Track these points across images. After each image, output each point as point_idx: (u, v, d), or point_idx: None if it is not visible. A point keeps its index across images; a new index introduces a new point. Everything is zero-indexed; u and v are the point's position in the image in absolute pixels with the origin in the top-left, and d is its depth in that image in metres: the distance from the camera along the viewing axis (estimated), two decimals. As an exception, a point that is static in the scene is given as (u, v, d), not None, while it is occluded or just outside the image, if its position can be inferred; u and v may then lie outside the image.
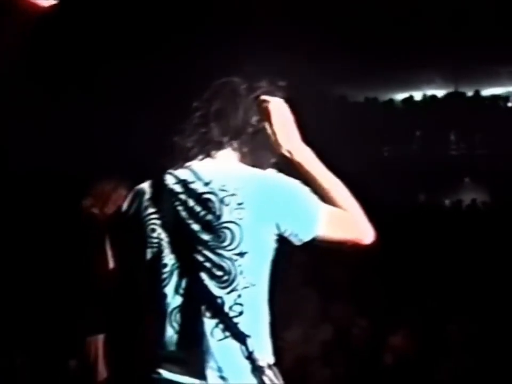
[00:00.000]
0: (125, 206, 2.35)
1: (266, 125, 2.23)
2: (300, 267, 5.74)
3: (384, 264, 7.00)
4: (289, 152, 2.21)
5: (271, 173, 2.22)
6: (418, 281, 6.46)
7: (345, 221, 2.18)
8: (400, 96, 13.02)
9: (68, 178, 6.88)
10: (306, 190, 2.18)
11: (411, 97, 12.88)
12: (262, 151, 2.30)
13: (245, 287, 2.11)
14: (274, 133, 2.22)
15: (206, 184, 2.17)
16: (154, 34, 7.73)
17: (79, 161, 7.14)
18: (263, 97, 2.27)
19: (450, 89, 12.71)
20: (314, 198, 2.17)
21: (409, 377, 5.00)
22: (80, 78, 7.83)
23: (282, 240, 2.18)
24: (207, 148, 2.25)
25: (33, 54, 7.13)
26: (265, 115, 2.24)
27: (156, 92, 7.66)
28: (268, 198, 2.14)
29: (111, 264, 4.95)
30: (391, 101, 13.03)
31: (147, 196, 2.25)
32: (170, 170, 2.25)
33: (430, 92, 12.78)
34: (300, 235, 2.14)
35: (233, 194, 2.13)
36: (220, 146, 2.26)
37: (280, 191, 2.16)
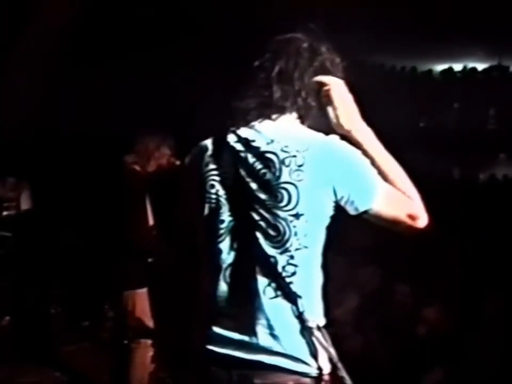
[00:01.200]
0: (187, 161, 2.37)
1: (328, 107, 2.25)
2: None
3: (418, 237, 6.99)
4: (349, 132, 2.23)
5: (334, 138, 2.21)
6: (452, 255, 6.45)
7: (401, 201, 2.19)
8: (439, 67, 12.86)
9: (112, 135, 6.92)
10: (367, 161, 2.19)
11: (451, 68, 12.72)
12: (322, 116, 2.31)
13: (298, 249, 2.13)
14: (336, 116, 2.25)
15: (268, 143, 2.19)
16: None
17: (124, 118, 7.17)
18: (322, 78, 2.27)
19: (493, 63, 12.52)
20: (374, 171, 2.18)
21: (442, 350, 5.01)
22: (131, 39, 7.83)
23: (339, 209, 2.18)
24: (269, 111, 2.26)
25: (85, 18, 7.14)
26: (325, 96, 2.26)
27: (209, 49, 7.62)
28: (328, 163, 2.15)
29: (151, 220, 5.01)
30: (430, 71, 12.87)
31: (209, 152, 2.27)
32: (232, 129, 2.26)
33: (471, 64, 12.62)
34: (356, 203, 2.14)
35: (294, 156, 2.14)
36: (282, 110, 2.26)
37: (341, 157, 2.17)
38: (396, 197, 2.19)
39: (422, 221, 2.20)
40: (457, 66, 12.73)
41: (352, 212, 2.16)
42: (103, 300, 5.18)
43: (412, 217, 2.19)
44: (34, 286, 6.81)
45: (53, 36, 7.40)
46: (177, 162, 4.92)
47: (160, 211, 4.95)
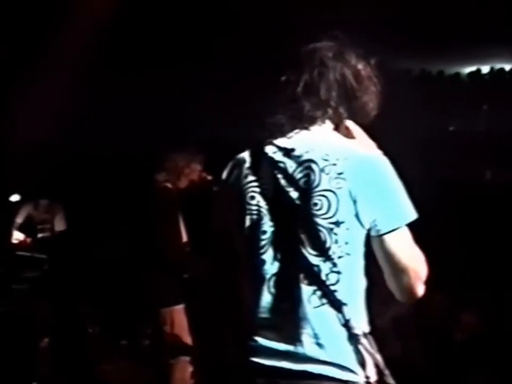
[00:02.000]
0: (224, 174, 2.37)
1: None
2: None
3: (450, 240, 6.95)
4: None
5: (377, 153, 2.22)
6: (484, 259, 6.39)
7: (418, 255, 2.17)
8: (466, 69, 12.78)
9: (142, 153, 6.96)
10: (403, 192, 2.17)
11: (478, 70, 12.63)
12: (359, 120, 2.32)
13: (340, 257, 2.13)
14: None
15: (307, 152, 2.19)
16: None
17: (153, 136, 7.21)
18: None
19: (519, 63, 12.41)
20: (408, 200, 2.16)
21: (479, 355, 4.96)
22: (159, 54, 7.87)
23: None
24: (301, 124, 2.26)
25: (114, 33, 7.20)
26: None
27: (237, 63, 7.63)
28: (366, 176, 2.14)
29: (184, 237, 5.02)
30: (458, 74, 12.80)
31: (247, 165, 2.28)
32: (269, 140, 2.27)
33: (498, 66, 12.51)
34: (379, 223, 2.12)
35: (334, 164, 2.14)
36: (313, 121, 2.26)
37: (379, 174, 2.16)
38: (415, 247, 2.17)
39: (421, 289, 2.17)
40: (485, 68, 12.65)
41: (372, 232, 2.14)
42: (140, 318, 5.19)
43: (417, 275, 2.15)
44: (71, 306, 6.85)
45: (81, 53, 7.47)
46: (209, 177, 4.93)
47: (194, 227, 4.96)
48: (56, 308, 5.69)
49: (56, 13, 7.20)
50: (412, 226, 2.17)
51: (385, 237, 2.13)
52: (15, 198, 8.35)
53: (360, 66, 2.31)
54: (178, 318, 4.83)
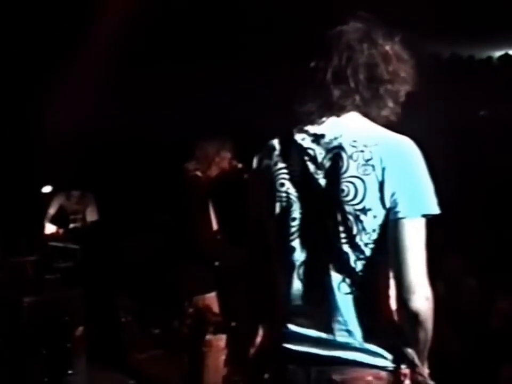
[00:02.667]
0: (255, 162, 2.37)
1: None
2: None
3: (485, 227, 6.90)
4: None
5: (407, 140, 2.18)
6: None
7: (423, 256, 2.10)
8: (497, 53, 12.63)
9: (173, 141, 6.98)
10: (430, 183, 2.14)
11: (509, 54, 12.49)
12: (382, 110, 2.28)
13: (367, 244, 2.12)
14: None
15: (336, 138, 2.18)
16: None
17: (184, 124, 7.21)
18: None
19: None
20: (432, 190, 2.13)
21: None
22: (189, 42, 7.88)
23: None
24: (331, 112, 2.24)
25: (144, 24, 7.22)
26: None
27: (265, 50, 7.60)
28: (394, 161, 2.11)
29: (215, 225, 5.02)
30: (489, 58, 12.66)
31: (276, 152, 2.28)
32: (299, 127, 2.26)
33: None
34: (400, 207, 2.09)
35: (362, 151, 2.13)
36: (343, 109, 2.24)
37: (407, 160, 2.13)
38: (424, 249, 2.10)
39: (420, 294, 2.07)
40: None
41: (391, 215, 2.10)
42: (173, 307, 5.20)
43: (420, 275, 2.08)
44: (105, 296, 6.90)
45: (114, 40, 7.50)
46: (240, 165, 4.92)
47: (226, 215, 4.96)
48: (89, 297, 5.73)
49: (87, 7, 7.24)
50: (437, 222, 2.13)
51: (402, 221, 2.08)
52: (47, 189, 8.43)
53: (388, 46, 2.27)
54: (211, 305, 4.84)
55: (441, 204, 2.14)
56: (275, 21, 7.47)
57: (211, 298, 4.86)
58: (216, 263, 4.84)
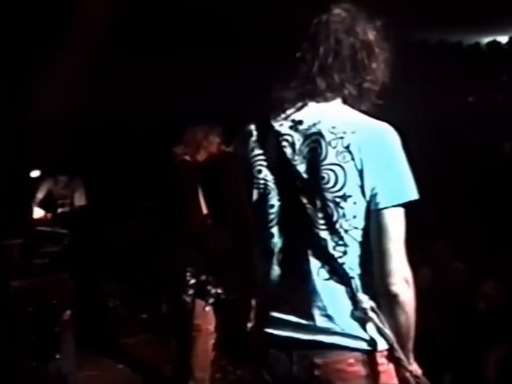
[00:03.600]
0: (232, 147, 2.39)
1: None
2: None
3: (470, 210, 6.94)
4: None
5: (387, 126, 2.18)
6: (505, 227, 6.36)
7: (402, 246, 2.13)
8: (485, 39, 12.63)
9: (161, 125, 6.97)
10: (408, 170, 2.14)
11: (496, 40, 12.49)
12: (367, 100, 2.28)
13: (347, 230, 2.12)
14: None
15: (315, 124, 2.18)
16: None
17: (172, 108, 7.21)
18: None
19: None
20: (411, 178, 2.13)
21: (504, 327, 4.94)
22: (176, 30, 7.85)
23: None
24: (313, 100, 2.24)
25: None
26: None
27: (250, 36, 7.59)
28: (373, 147, 2.12)
29: (204, 209, 5.02)
30: (476, 44, 12.66)
31: (253, 138, 2.27)
32: (276, 112, 2.25)
33: (517, 35, 12.37)
34: (379, 197, 2.10)
35: (341, 138, 2.13)
36: (326, 99, 2.23)
37: (387, 147, 2.13)
38: (403, 237, 2.13)
39: (401, 282, 2.10)
40: (503, 38, 12.50)
41: (372, 205, 2.12)
42: (161, 292, 5.22)
43: (401, 262, 2.11)
44: (92, 280, 6.90)
45: (102, 22, 7.46)
46: (228, 149, 4.91)
47: (215, 199, 4.96)
48: (77, 282, 5.73)
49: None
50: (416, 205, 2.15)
51: (383, 211, 2.10)
52: (35, 173, 8.41)
53: (372, 38, 2.26)
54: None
55: (423, 189, 2.15)
56: (259, 8, 7.45)
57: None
58: (207, 247, 4.84)
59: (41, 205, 8.12)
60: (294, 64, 2.26)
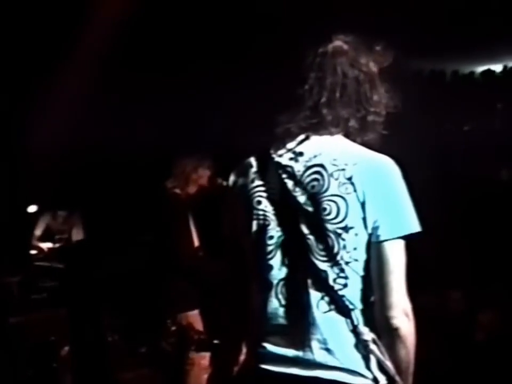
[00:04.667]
0: (231, 179, 2.36)
1: None
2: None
3: (468, 239, 6.93)
4: None
5: (387, 159, 2.19)
6: (503, 257, 6.36)
7: (403, 282, 2.13)
8: (479, 68, 12.71)
9: (151, 160, 6.99)
10: (409, 202, 2.15)
11: (491, 69, 12.57)
12: (370, 133, 2.29)
13: (348, 262, 2.11)
14: None
15: (316, 156, 2.18)
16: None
17: (161, 142, 7.24)
18: None
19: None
20: (413, 211, 2.14)
21: (499, 356, 4.92)
22: (166, 58, 7.88)
23: None
24: (317, 133, 2.24)
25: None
26: None
27: (247, 66, 7.61)
28: (373, 180, 2.12)
29: (196, 241, 5.03)
30: (471, 73, 12.74)
31: (253, 169, 2.27)
32: (277, 145, 2.26)
33: (511, 64, 12.44)
34: (381, 230, 2.10)
35: (342, 169, 2.13)
36: (330, 133, 2.24)
37: (387, 180, 2.14)
38: (404, 271, 2.13)
39: (400, 316, 2.09)
40: (498, 67, 12.58)
41: (373, 237, 2.12)
42: (158, 325, 5.20)
43: (401, 297, 2.11)
44: (90, 315, 6.87)
45: (93, 60, 7.52)
46: (224, 183, 4.94)
47: (209, 231, 4.97)
48: (75, 317, 5.71)
49: (69, 19, 7.24)
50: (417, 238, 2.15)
51: (384, 244, 2.11)
52: (32, 208, 8.41)
53: (374, 69, 2.28)
54: (194, 323, 4.84)
55: (423, 219, 2.16)
56: (259, 38, 7.49)
57: (194, 316, 4.87)
58: (200, 280, 4.85)
59: (40, 240, 8.11)
60: (297, 97, 2.26)
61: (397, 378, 2.12)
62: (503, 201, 8.39)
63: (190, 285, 4.85)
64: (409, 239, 2.14)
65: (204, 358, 4.79)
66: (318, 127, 2.23)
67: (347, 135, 2.26)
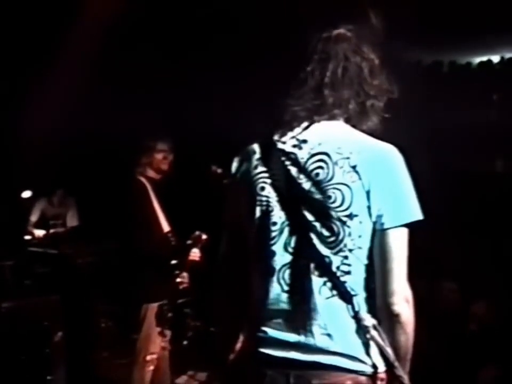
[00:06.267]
0: (234, 165, 2.37)
1: None
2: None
3: (461, 231, 6.94)
4: None
5: (392, 148, 2.21)
6: (495, 249, 6.38)
7: (405, 267, 2.15)
8: (477, 59, 12.70)
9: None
10: (413, 191, 2.17)
11: (488, 60, 12.56)
12: (371, 118, 2.30)
13: (352, 250, 2.13)
14: None
15: (320, 144, 2.19)
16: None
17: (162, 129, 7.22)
18: None
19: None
20: (416, 200, 2.16)
21: (495, 346, 4.93)
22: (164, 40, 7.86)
23: None
24: (319, 117, 2.25)
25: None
26: None
27: (251, 50, 7.59)
28: (377, 169, 2.14)
29: (166, 227, 5.00)
30: (468, 64, 12.73)
31: (257, 156, 2.28)
32: (280, 131, 2.27)
33: (508, 55, 12.43)
34: (384, 218, 2.13)
35: (347, 158, 2.15)
36: (333, 117, 2.26)
37: (391, 168, 2.16)
38: (406, 258, 2.16)
39: (402, 302, 2.13)
40: (495, 58, 12.56)
41: (377, 225, 2.14)
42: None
43: (403, 283, 2.14)
44: (84, 301, 6.87)
45: (86, 51, 7.50)
46: (219, 170, 4.91)
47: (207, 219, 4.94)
48: (68, 303, 5.71)
49: (62, 12, 7.22)
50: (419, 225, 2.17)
51: (388, 231, 2.13)
52: (27, 194, 8.40)
53: (375, 57, 2.31)
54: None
55: (423, 209, 2.18)
56: (263, 23, 7.46)
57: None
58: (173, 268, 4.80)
59: (34, 225, 8.11)
60: (299, 80, 2.27)
61: (396, 364, 2.14)
62: (499, 192, 8.42)
63: (157, 274, 4.80)
64: (412, 227, 2.16)
65: (150, 349, 4.80)
66: (320, 109, 2.25)
67: (349, 120, 2.27)
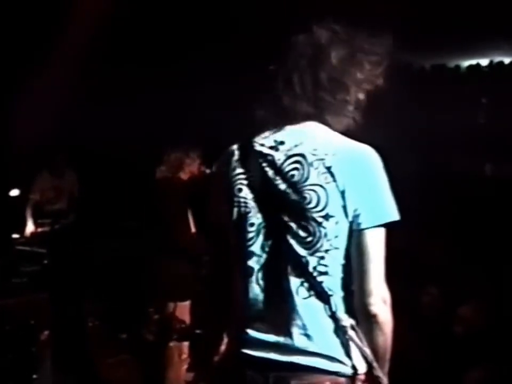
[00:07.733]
0: (214, 167, 2.41)
1: None
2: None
3: (451, 234, 6.97)
4: None
5: (368, 149, 2.22)
6: (486, 252, 6.40)
7: (382, 268, 2.17)
8: (466, 63, 12.74)
9: (143, 148, 6.98)
10: (389, 191, 2.18)
11: (477, 64, 12.61)
12: (345, 119, 2.31)
13: (328, 250, 2.15)
14: None
15: (296, 146, 2.21)
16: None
17: (153, 131, 7.23)
18: None
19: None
20: (393, 200, 2.17)
21: (481, 349, 4.95)
22: (154, 50, 7.87)
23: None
24: (292, 118, 2.27)
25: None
26: None
27: (230, 55, 7.61)
28: (354, 169, 2.15)
29: (193, 228, 5.01)
30: (457, 67, 12.77)
31: (235, 157, 2.30)
32: (258, 133, 2.30)
33: (497, 59, 12.48)
34: (361, 218, 2.14)
35: (322, 159, 2.16)
36: (305, 117, 2.27)
37: (367, 169, 2.17)
38: (383, 258, 2.17)
39: (379, 304, 2.14)
40: (484, 61, 12.60)
41: (354, 225, 2.15)
42: (140, 313, 5.19)
43: (380, 284, 2.16)
44: (71, 300, 6.86)
45: (82, 51, 7.50)
46: (208, 171, 4.94)
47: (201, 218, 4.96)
48: (56, 301, 5.70)
49: (56, 11, 7.21)
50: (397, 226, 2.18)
51: (364, 232, 2.14)
52: (15, 192, 8.38)
53: (348, 57, 2.30)
54: (181, 313, 4.83)
55: (402, 211, 2.18)
56: (239, 27, 7.49)
57: (184, 307, 4.85)
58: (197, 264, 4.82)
59: (23, 223, 8.09)
60: (275, 81, 2.30)
61: (375, 364, 2.16)
62: (486, 196, 8.45)
63: (184, 273, 4.82)
64: (389, 228, 2.17)
65: (184, 348, 4.80)
66: (295, 110, 2.26)
67: (325, 121, 2.28)
